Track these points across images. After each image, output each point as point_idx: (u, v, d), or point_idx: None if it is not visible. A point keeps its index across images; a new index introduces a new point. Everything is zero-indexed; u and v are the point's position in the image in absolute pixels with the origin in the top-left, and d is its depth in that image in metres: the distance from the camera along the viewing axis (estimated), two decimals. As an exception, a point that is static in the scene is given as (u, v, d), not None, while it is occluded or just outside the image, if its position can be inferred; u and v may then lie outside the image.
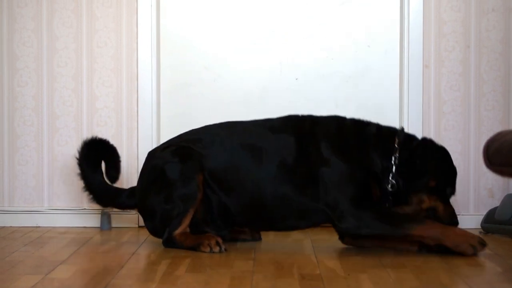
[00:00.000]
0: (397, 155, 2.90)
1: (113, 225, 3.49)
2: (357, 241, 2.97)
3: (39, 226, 3.49)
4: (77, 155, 3.15)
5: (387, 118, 3.52)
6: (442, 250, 2.77)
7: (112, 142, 3.44)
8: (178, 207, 2.90)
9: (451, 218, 2.89)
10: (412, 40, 3.46)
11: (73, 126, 3.51)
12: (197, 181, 2.92)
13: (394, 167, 2.88)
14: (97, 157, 3.17)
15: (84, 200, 3.51)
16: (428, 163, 2.89)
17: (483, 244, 2.76)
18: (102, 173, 3.16)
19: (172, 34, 3.55)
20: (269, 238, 3.20)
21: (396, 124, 3.51)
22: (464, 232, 2.80)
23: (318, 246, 2.99)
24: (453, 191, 2.94)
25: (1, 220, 3.51)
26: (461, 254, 2.74)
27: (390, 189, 2.88)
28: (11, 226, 3.49)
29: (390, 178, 2.88)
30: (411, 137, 2.99)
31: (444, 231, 2.77)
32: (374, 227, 2.80)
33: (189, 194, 2.90)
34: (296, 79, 3.57)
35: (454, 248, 2.75)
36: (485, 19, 3.45)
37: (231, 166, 2.96)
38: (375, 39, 3.55)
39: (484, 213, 3.38)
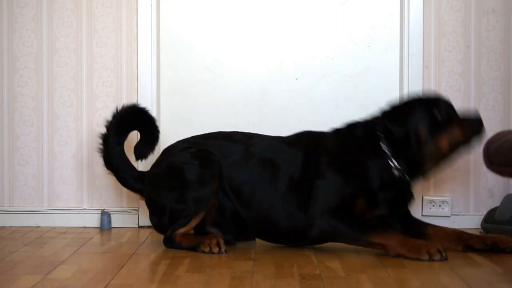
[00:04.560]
0: (385, 140, 2.87)
1: (113, 225, 3.48)
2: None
3: (39, 226, 3.49)
4: (110, 118, 3.12)
5: (387, 118, 3.53)
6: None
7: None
8: (189, 208, 2.89)
9: (478, 126, 2.82)
10: (412, 40, 3.46)
11: (73, 126, 3.51)
12: (212, 187, 2.91)
13: (390, 152, 2.86)
14: (131, 125, 3.15)
15: (84, 200, 3.52)
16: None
17: (440, 253, 2.68)
18: (123, 144, 3.14)
19: (172, 34, 3.55)
20: (269, 238, 3.20)
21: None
22: (424, 243, 2.75)
23: (318, 246, 2.98)
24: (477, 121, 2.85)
25: (1, 220, 3.51)
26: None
27: (397, 174, 2.86)
28: (11, 226, 3.49)
29: (393, 164, 2.86)
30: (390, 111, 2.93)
31: (403, 241, 2.74)
32: (342, 235, 2.82)
33: (203, 197, 2.89)
34: (296, 79, 3.57)
35: (411, 255, 2.70)
36: (485, 19, 3.45)
37: (249, 180, 2.96)
38: (375, 39, 3.55)
39: (484, 213, 3.38)
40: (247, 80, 3.56)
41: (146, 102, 3.48)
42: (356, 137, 2.95)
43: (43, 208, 3.52)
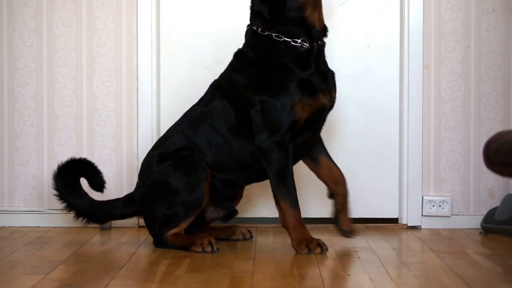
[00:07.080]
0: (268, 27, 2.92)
1: (113, 225, 3.48)
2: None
3: (39, 226, 3.49)
4: (54, 191, 3.08)
5: (387, 118, 3.53)
6: None
7: (112, 142, 3.46)
8: (179, 212, 2.88)
9: None
10: (412, 40, 3.46)
11: (73, 126, 3.51)
12: (203, 189, 2.89)
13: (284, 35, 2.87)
14: (74, 179, 3.10)
15: (84, 200, 3.52)
16: None
17: (320, 247, 2.82)
18: (86, 192, 3.12)
19: (172, 34, 3.55)
20: (269, 238, 3.20)
21: (396, 126, 3.52)
22: (302, 234, 2.85)
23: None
24: None
25: (1, 220, 3.51)
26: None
27: (304, 46, 2.86)
28: (11, 226, 3.49)
29: (295, 41, 2.86)
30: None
31: (288, 223, 2.83)
32: (278, 163, 2.82)
33: (192, 201, 2.88)
34: (296, 79, 3.56)
35: (285, 228, 2.86)
36: (485, 19, 3.45)
37: (206, 144, 2.96)
38: (375, 39, 3.55)
39: (484, 213, 3.38)
40: (247, 80, 3.55)
41: (146, 102, 3.48)
42: (249, 55, 2.96)
43: (43, 208, 3.52)
